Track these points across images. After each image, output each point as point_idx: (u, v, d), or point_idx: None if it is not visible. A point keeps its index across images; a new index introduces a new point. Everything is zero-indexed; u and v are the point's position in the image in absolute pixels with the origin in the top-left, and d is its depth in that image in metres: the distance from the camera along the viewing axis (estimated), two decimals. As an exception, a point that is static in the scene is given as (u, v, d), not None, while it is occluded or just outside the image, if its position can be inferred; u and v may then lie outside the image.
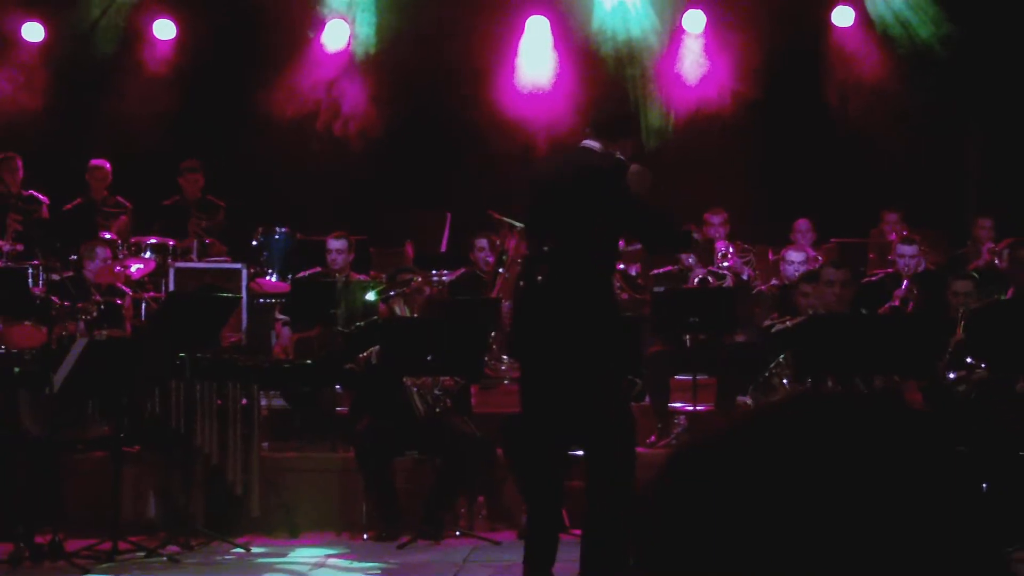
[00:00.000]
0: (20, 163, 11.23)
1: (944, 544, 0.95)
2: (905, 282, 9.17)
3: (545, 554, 5.65)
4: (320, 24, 12.71)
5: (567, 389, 5.58)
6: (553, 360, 5.59)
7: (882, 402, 1.02)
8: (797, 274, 9.29)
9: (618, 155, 5.67)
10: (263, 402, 8.21)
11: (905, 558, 0.94)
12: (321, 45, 12.76)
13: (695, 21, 12.55)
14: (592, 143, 5.70)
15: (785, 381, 7.69)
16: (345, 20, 12.77)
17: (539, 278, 5.58)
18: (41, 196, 11.26)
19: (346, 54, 12.74)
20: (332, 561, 7.09)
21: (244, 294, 10.12)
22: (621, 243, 10.27)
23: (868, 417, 1.00)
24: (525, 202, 5.90)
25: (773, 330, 8.07)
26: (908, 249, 9.41)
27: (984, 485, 6.88)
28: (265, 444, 8.32)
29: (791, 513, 0.94)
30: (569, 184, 5.64)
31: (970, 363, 7.31)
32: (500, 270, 8.44)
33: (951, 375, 7.27)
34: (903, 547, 0.94)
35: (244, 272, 10.46)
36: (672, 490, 1.00)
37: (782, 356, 7.71)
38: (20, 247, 10.51)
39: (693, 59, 12.45)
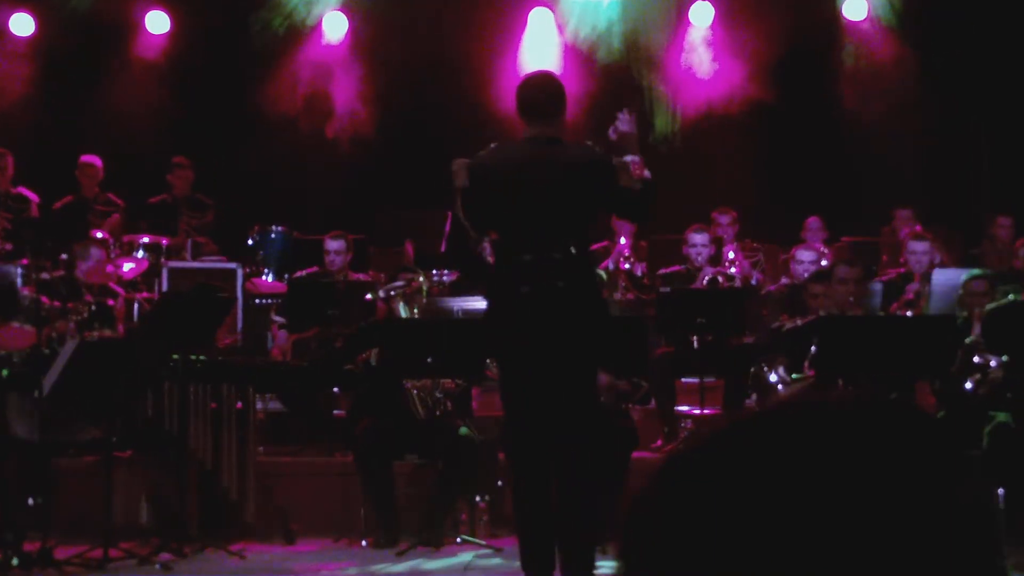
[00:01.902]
0: (11, 160, 11.13)
1: (945, 549, 0.93)
2: (917, 280, 9.12)
3: (545, 556, 5.61)
4: (318, 17, 12.64)
5: (570, 391, 5.61)
6: (568, 363, 5.58)
7: (885, 403, 0.99)
8: (807, 273, 9.22)
9: (596, 147, 5.72)
10: (259, 405, 8.14)
11: (905, 563, 0.92)
12: (319, 39, 12.67)
13: (703, 15, 12.48)
14: (546, 129, 5.66)
15: (774, 378, 7.63)
16: (343, 13, 12.68)
17: (560, 284, 5.52)
18: (30, 194, 11.17)
19: (345, 48, 12.66)
20: (329, 568, 6.98)
21: (240, 294, 10.06)
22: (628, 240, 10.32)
23: (870, 418, 0.97)
24: (494, 199, 5.68)
25: (784, 330, 7.98)
26: (919, 246, 9.37)
27: (1000, 491, 6.83)
28: (261, 448, 8.23)
29: (790, 516, 0.92)
30: (561, 182, 5.59)
31: (979, 363, 7.25)
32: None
33: (968, 384, 7.18)
34: (902, 552, 0.92)
35: (239, 272, 10.41)
36: (669, 493, 0.98)
37: (763, 358, 7.67)
38: (9, 246, 10.41)
39: (700, 54, 12.38)
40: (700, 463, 0.97)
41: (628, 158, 5.69)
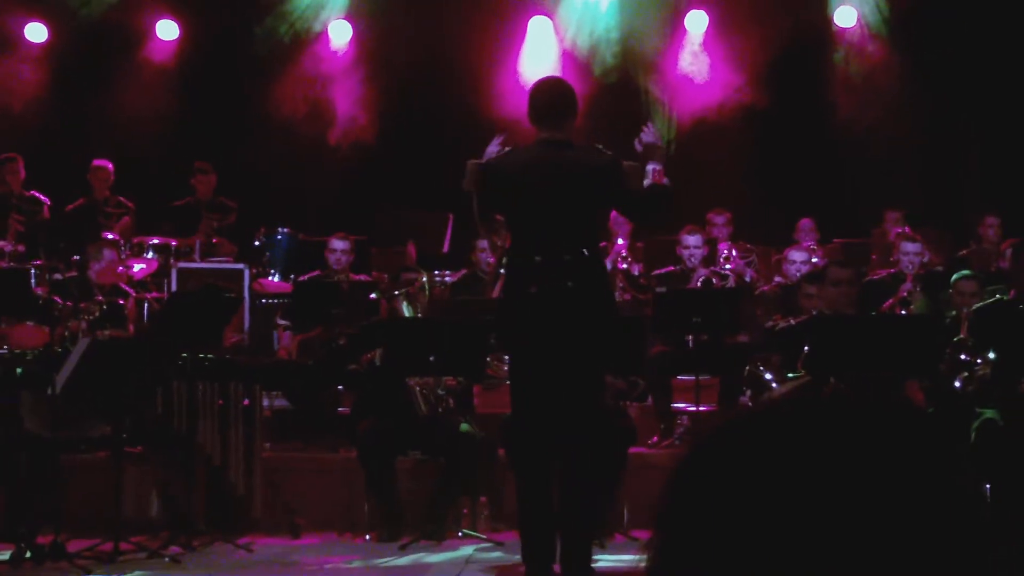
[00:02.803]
0: (22, 164, 11.26)
1: (941, 545, 0.95)
2: (909, 280, 9.17)
3: (546, 549, 5.71)
4: (323, 25, 12.75)
5: (576, 390, 5.70)
6: (575, 363, 5.68)
7: (882, 401, 1.02)
8: (800, 273, 9.29)
9: (605, 150, 5.82)
10: (265, 402, 8.19)
11: (903, 559, 0.94)
12: (324, 45, 12.77)
13: (697, 22, 12.57)
14: (555, 134, 5.75)
15: (769, 376, 7.70)
16: (348, 20, 12.79)
17: (569, 284, 5.61)
18: (43, 197, 11.29)
19: (349, 54, 12.76)
20: (334, 561, 7.07)
21: (246, 295, 10.12)
22: (625, 240, 10.41)
23: (867, 416, 1.00)
24: (506, 202, 5.83)
25: (777, 329, 8.05)
26: (911, 247, 9.38)
27: (987, 486, 6.91)
28: (267, 444, 8.31)
29: (789, 513, 0.95)
30: (571, 185, 5.69)
31: (966, 360, 7.32)
32: (501, 271, 8.42)
33: (957, 383, 7.26)
34: (901, 548, 0.94)
35: (246, 273, 10.46)
36: (680, 491, 1.01)
37: (758, 357, 7.74)
38: (22, 248, 10.51)
39: (695, 59, 12.46)
40: (702, 460, 1.00)
41: (650, 166, 5.82)
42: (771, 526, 0.94)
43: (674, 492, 1.00)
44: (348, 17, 12.81)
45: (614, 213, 9.94)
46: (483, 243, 10.06)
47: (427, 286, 8.35)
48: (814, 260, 9.98)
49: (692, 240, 9.62)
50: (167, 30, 12.81)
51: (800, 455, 0.96)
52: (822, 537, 0.93)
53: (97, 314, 8.15)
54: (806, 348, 7.39)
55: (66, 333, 7.86)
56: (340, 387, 8.86)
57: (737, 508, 0.96)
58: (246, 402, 7.63)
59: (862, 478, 0.95)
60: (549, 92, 5.86)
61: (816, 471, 0.95)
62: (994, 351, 7.30)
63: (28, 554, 6.76)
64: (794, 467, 0.96)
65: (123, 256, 10.13)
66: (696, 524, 0.97)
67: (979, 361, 7.30)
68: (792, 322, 7.99)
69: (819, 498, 0.94)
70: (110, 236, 10.49)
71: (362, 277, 9.89)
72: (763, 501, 0.95)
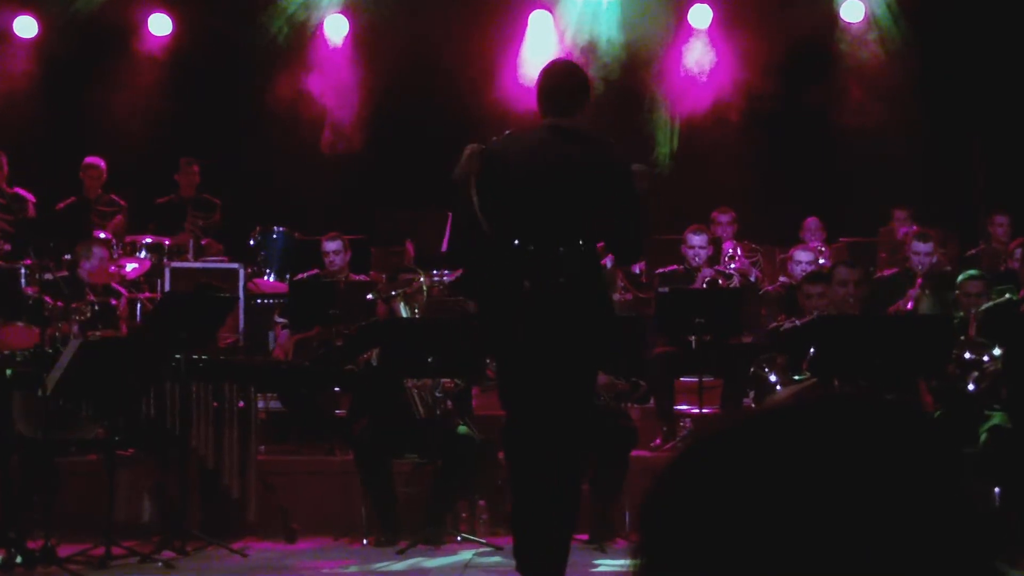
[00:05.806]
0: (5, 160, 11.15)
1: (944, 548, 0.94)
2: (919, 280, 9.13)
3: (543, 555, 5.57)
4: (320, 19, 12.70)
5: (569, 392, 5.54)
6: (569, 363, 5.50)
7: (888, 403, 1.01)
8: (805, 274, 9.24)
9: (616, 146, 5.59)
10: (260, 404, 8.14)
11: (905, 561, 0.93)
12: (321, 40, 12.72)
13: (701, 16, 12.51)
14: (563, 120, 5.47)
15: (774, 378, 7.64)
16: (344, 15, 12.73)
17: (561, 280, 5.38)
18: (27, 194, 11.18)
19: (346, 49, 12.71)
20: (330, 567, 7.00)
21: (241, 294, 10.08)
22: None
23: (874, 418, 0.99)
24: (505, 186, 5.49)
25: (782, 329, 7.99)
26: (923, 247, 9.34)
27: (997, 489, 6.87)
28: (262, 447, 8.25)
29: (793, 513, 0.94)
30: (577, 174, 5.44)
31: (972, 358, 7.27)
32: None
33: (971, 386, 7.21)
34: (903, 550, 0.93)
35: (241, 272, 10.42)
36: (676, 489, 1.00)
37: (762, 358, 7.68)
38: (7, 247, 10.43)
39: (699, 56, 12.41)
40: (709, 460, 0.99)
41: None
42: (766, 530, 0.94)
43: (667, 495, 1.00)
44: (344, 12, 12.75)
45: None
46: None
47: (425, 286, 8.25)
48: (820, 260, 9.92)
49: (697, 239, 9.57)
50: (160, 25, 12.74)
51: (795, 458, 0.96)
52: (819, 541, 0.93)
53: (89, 314, 8.10)
54: (811, 350, 7.32)
55: (57, 334, 7.78)
56: (336, 389, 8.78)
57: (731, 512, 0.95)
58: (241, 404, 7.57)
59: (859, 482, 0.95)
60: (561, 76, 5.59)
61: (811, 474, 0.95)
62: (1003, 351, 7.24)
63: (19, 559, 6.68)
64: (789, 471, 0.96)
65: (115, 255, 10.08)
66: (689, 528, 0.97)
67: (986, 358, 7.24)
68: (797, 323, 7.93)
69: (815, 501, 0.94)
70: (102, 235, 10.42)
71: (361, 277, 9.82)
72: (757, 505, 0.95)
